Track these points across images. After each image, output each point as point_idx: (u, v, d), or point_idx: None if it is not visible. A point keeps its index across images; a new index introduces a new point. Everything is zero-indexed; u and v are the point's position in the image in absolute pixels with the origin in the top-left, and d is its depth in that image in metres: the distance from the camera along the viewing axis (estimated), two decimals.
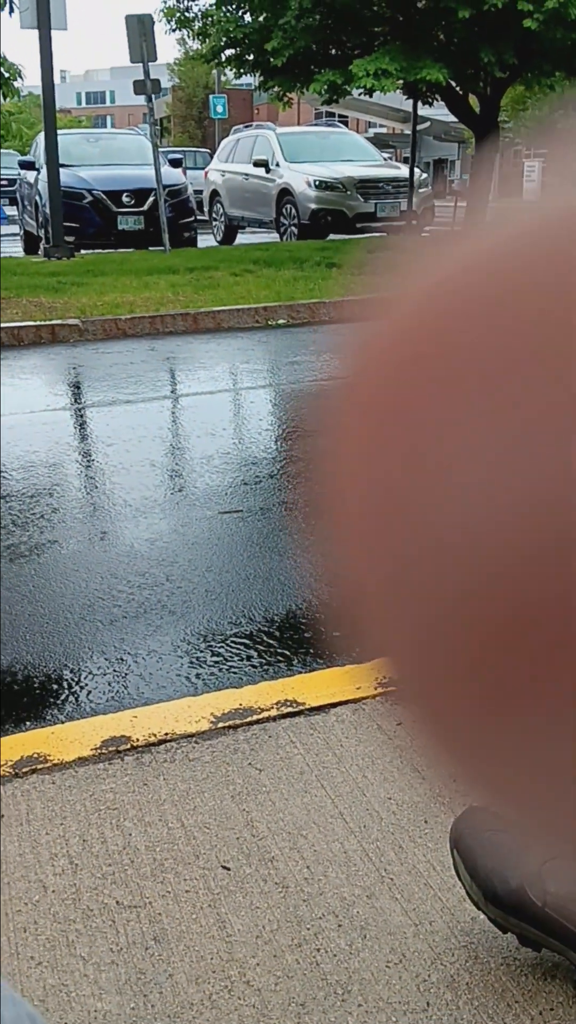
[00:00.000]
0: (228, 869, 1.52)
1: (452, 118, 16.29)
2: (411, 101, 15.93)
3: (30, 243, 13.30)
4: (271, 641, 2.36)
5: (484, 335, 0.17)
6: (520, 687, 0.17)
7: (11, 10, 11.04)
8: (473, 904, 1.35)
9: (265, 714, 1.95)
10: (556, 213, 0.17)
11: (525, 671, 0.17)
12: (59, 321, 6.93)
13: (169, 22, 15.44)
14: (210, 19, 14.73)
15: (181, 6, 15.23)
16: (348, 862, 1.53)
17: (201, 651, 2.32)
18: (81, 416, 4.97)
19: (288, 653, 2.29)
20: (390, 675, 0.20)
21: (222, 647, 2.33)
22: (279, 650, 2.31)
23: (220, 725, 1.92)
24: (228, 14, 14.42)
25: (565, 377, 0.16)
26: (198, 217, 13.19)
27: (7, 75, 12.33)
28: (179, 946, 1.38)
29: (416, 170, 14.24)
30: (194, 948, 1.37)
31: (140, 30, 10.55)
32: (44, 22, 10.23)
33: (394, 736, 1.84)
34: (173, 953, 1.36)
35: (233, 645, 2.34)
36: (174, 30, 15.51)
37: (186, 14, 15.23)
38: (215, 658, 2.28)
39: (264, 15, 14.01)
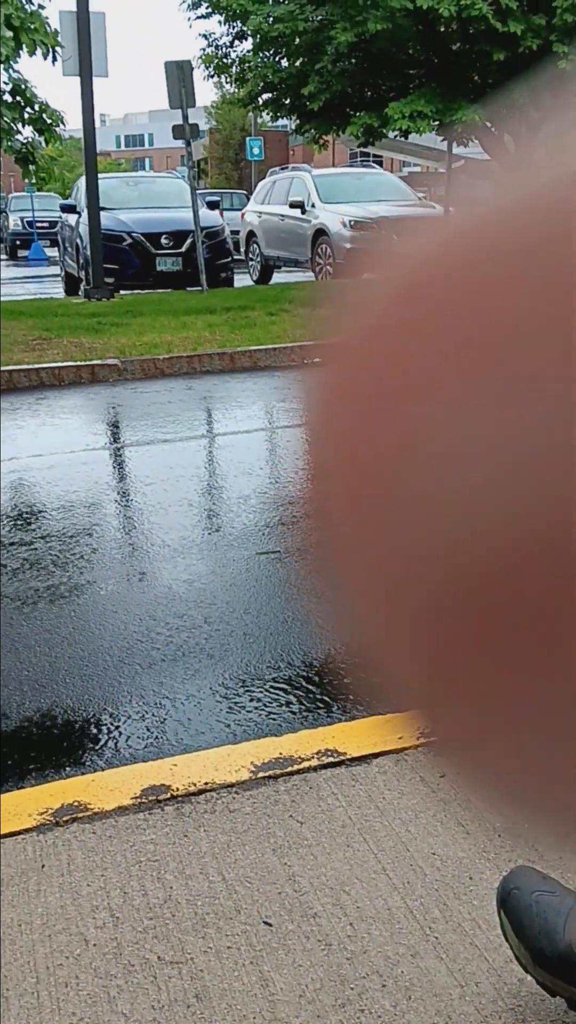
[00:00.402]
0: (270, 925, 1.50)
1: (487, 156, 16.42)
2: (446, 141, 16.08)
3: (71, 284, 13.53)
4: (310, 687, 2.35)
5: (463, 298, 0.17)
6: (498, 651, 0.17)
7: (54, 59, 11.32)
8: (520, 966, 1.32)
9: (305, 764, 1.94)
10: (542, 184, 0.17)
11: (502, 636, 0.17)
12: (99, 361, 7.02)
13: (207, 68, 15.76)
14: (247, 64, 15.01)
15: (219, 52, 15.53)
16: (392, 919, 1.50)
17: (240, 696, 2.31)
18: (120, 455, 5.02)
19: (328, 699, 2.28)
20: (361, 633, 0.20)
21: (261, 692, 2.32)
22: (319, 696, 2.30)
23: (260, 775, 1.90)
24: (265, 60, 14.69)
25: (553, 336, 0.16)
26: (235, 257, 13.35)
27: (49, 122, 12.60)
28: (221, 1004, 1.36)
29: (451, 209, 14.33)
30: (236, 1007, 1.35)
31: (179, 76, 10.76)
32: (86, 70, 10.48)
33: (438, 789, 1.81)
34: (215, 1012, 1.34)
35: (272, 690, 2.33)
36: (212, 76, 15.81)
37: (224, 60, 15.53)
38: (254, 703, 2.27)
39: (301, 60, 14.25)
